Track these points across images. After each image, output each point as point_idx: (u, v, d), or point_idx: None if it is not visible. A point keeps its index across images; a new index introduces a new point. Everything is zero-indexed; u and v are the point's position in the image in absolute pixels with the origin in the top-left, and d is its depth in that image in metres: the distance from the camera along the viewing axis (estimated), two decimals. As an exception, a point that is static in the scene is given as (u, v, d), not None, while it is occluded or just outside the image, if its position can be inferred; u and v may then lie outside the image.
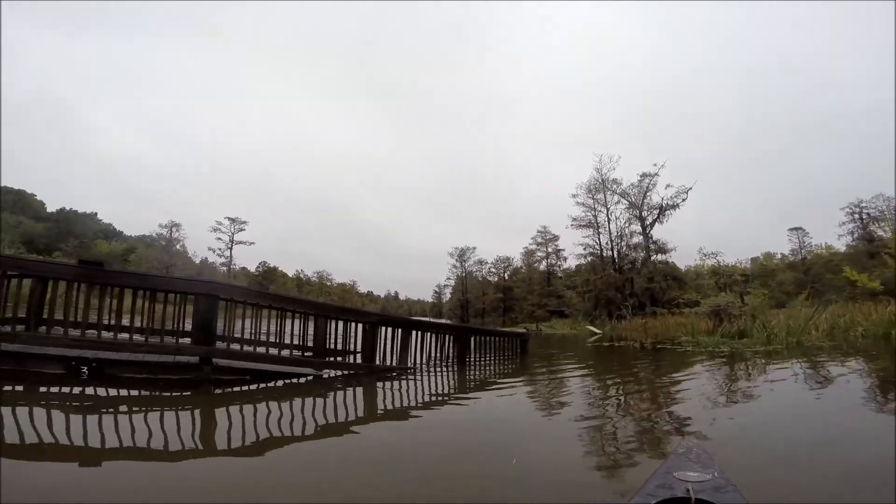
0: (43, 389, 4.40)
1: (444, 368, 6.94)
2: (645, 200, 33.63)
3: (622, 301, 29.88)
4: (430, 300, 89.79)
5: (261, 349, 5.76)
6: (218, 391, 4.80)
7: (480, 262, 61.34)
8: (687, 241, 37.07)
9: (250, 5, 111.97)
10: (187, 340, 5.54)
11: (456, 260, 63.26)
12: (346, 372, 6.05)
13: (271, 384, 5.24)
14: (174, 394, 4.63)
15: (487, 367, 7.37)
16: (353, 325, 6.46)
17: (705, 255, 25.40)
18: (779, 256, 50.02)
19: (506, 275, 58.17)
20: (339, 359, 6.63)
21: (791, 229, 49.52)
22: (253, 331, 5.78)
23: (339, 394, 5.01)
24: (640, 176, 33.83)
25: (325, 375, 5.77)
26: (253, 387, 5.05)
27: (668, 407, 4.34)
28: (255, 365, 5.50)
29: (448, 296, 74.27)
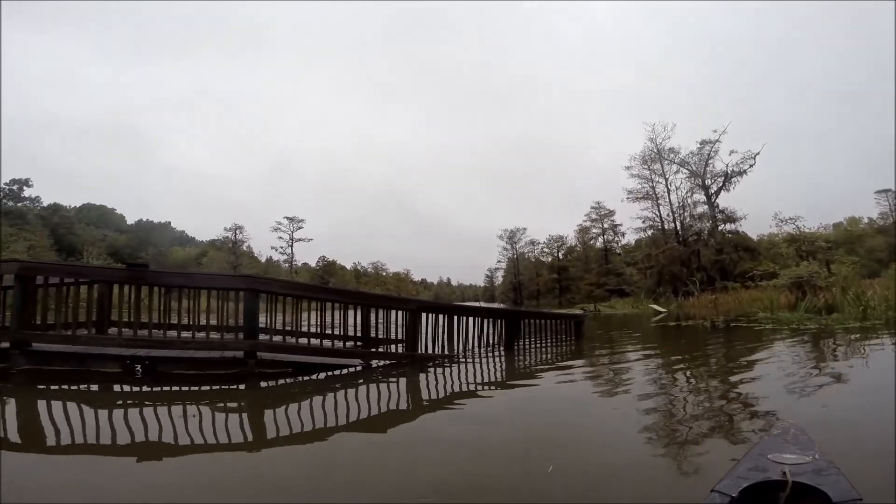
0: (94, 387, 4.61)
1: (492, 354, 6.61)
2: (707, 168, 31.10)
3: (688, 276, 27.90)
4: (483, 284, 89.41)
5: (305, 341, 5.73)
6: (265, 384, 4.81)
7: (532, 243, 59.88)
8: (759, 209, 33.85)
9: (295, 13, 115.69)
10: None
11: (506, 242, 62.21)
12: (388, 362, 5.89)
13: (314, 376, 5.18)
14: (223, 388, 4.66)
15: (539, 353, 6.95)
16: (397, 313, 6.30)
17: (782, 221, 22.87)
18: (865, 221, 44.74)
19: (560, 254, 56.41)
20: (382, 348, 6.49)
21: (879, 191, 44.03)
22: (294, 323, 5.75)
23: (383, 385, 4.84)
24: (700, 143, 31.30)
25: (367, 366, 5.65)
26: (298, 379, 5.02)
27: (746, 398, 3.79)
28: (298, 357, 5.48)
29: (500, 279, 73.40)
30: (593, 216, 49.62)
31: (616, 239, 48.51)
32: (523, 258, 61.25)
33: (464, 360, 6.19)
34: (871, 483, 1.64)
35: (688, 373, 5.01)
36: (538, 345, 7.46)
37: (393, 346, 6.52)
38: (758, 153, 29.34)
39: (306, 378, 5.10)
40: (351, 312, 6.88)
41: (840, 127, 72.69)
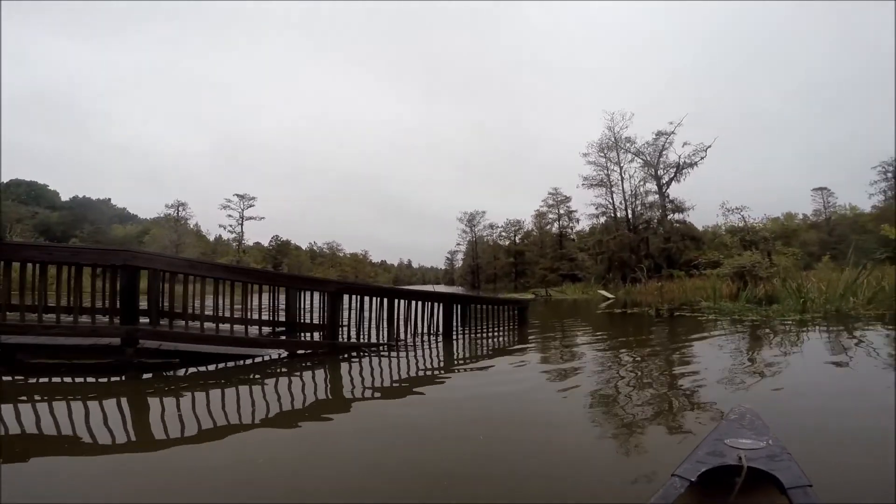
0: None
1: (427, 343, 6.01)
2: (661, 159, 31.76)
3: (637, 263, 28.54)
4: (443, 267, 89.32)
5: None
6: (148, 376, 4.13)
7: (491, 227, 59.95)
8: (705, 202, 35.06)
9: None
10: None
11: (465, 225, 61.98)
12: (302, 351, 5.16)
13: (208, 368, 4.48)
14: (98, 380, 3.98)
15: (478, 341, 6.42)
16: (313, 295, 5.58)
17: (728, 210, 23.50)
18: (800, 217, 47.77)
19: (517, 239, 56.80)
20: (301, 335, 5.74)
21: (815, 189, 47.08)
22: (187, 305, 4.89)
23: (293, 378, 4.14)
24: (656, 134, 31.91)
25: (278, 356, 4.91)
26: (190, 370, 4.35)
27: (686, 389, 3.54)
28: (189, 346, 4.67)
29: (461, 262, 73.43)
30: (550, 202, 50.22)
31: (571, 225, 49.33)
32: (482, 242, 61.28)
33: (394, 349, 5.56)
34: (819, 468, 1.72)
35: (630, 365, 4.60)
36: (478, 332, 6.94)
37: (314, 334, 5.80)
38: (709, 146, 30.21)
39: (200, 369, 4.41)
40: (269, 296, 6.09)
41: (788, 126, 77.04)
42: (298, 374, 4.33)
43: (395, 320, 5.90)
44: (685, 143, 30.61)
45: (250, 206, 58.91)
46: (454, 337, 6.51)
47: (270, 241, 78.26)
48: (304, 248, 79.69)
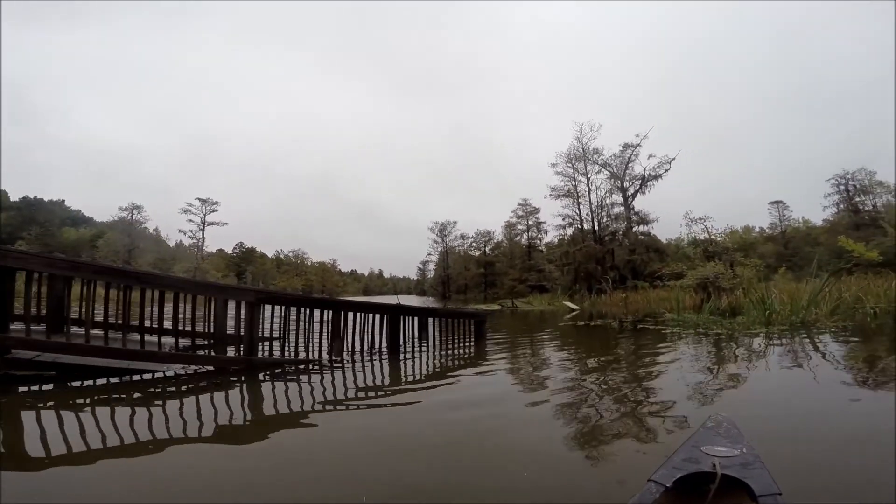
0: None
1: (368, 361, 5.31)
2: (627, 171, 32.21)
3: (602, 274, 28.63)
4: (415, 277, 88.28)
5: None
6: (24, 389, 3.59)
7: (462, 237, 59.61)
8: (668, 215, 35.75)
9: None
10: None
11: (437, 234, 61.45)
12: (211, 367, 4.40)
13: (85, 383, 3.74)
14: None
15: (428, 358, 5.74)
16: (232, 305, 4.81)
17: (692, 221, 23.78)
18: (757, 230, 49.60)
19: (487, 249, 56.66)
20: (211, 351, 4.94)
21: (772, 203, 49.02)
22: (69, 312, 4.08)
23: (175, 402, 3.40)
24: (623, 146, 32.40)
25: (183, 372, 4.17)
26: (74, 385, 3.62)
27: (653, 406, 3.33)
28: (71, 358, 3.90)
29: (433, 272, 72.67)
30: (520, 213, 50.31)
31: (539, 236, 49.52)
32: (453, 252, 60.83)
33: (327, 367, 4.85)
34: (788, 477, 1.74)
35: (595, 382, 4.05)
36: (429, 348, 6.29)
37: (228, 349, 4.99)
38: (673, 158, 30.82)
39: (86, 384, 3.80)
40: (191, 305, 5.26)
41: (750, 141, 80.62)
42: (195, 394, 3.65)
43: (333, 334, 5.21)
44: (650, 156, 31.25)
45: (213, 210, 56.48)
46: (401, 353, 5.84)
47: (234, 247, 75.48)
48: (270, 255, 77.15)
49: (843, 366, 4.83)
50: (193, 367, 4.43)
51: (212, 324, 5.21)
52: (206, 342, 5.57)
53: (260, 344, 4.90)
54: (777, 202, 48.80)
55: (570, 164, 34.08)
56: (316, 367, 4.87)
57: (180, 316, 4.52)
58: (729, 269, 13.12)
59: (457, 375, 4.78)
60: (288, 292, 6.24)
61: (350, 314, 5.50)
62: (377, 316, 5.80)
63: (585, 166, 33.53)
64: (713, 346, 6.47)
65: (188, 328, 5.04)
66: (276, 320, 5.14)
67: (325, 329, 5.39)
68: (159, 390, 3.78)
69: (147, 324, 4.67)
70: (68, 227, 54.70)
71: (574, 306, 19.28)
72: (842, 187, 38.16)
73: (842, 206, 38.06)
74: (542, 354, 6.46)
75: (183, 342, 5.13)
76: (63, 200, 61.79)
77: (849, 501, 1.81)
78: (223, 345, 4.67)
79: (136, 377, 4.07)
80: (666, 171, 30.99)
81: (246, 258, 76.64)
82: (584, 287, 29.00)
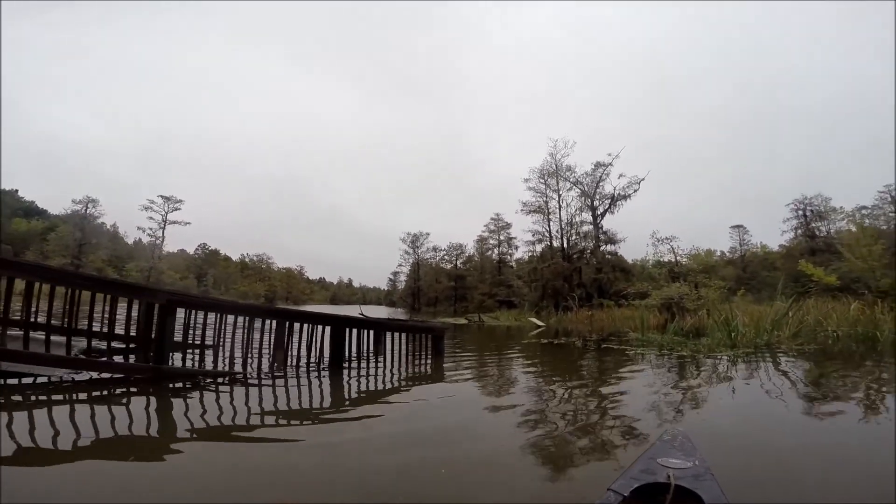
0: None
1: (302, 376, 4.73)
2: (598, 190, 32.62)
3: (569, 291, 28.67)
4: (386, 288, 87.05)
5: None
6: None
7: (435, 249, 59.14)
8: (633, 236, 36.18)
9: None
10: None
11: (408, 245, 60.81)
12: (108, 375, 3.76)
13: None
14: None
15: (375, 376, 5.18)
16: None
17: (658, 240, 24.00)
18: (718, 254, 51.25)
19: (458, 262, 56.39)
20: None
21: (733, 227, 50.83)
22: None
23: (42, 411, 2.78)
24: (594, 165, 32.80)
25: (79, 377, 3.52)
26: None
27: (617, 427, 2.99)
28: None
29: (404, 284, 71.71)
30: (492, 227, 50.39)
31: (510, 252, 49.63)
32: (424, 264, 60.24)
33: (253, 382, 4.24)
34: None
35: (558, 404, 3.61)
36: (380, 364, 5.73)
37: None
38: (643, 179, 31.37)
39: None
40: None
41: (712, 167, 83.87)
42: (50, 406, 2.98)
43: (275, 345, 4.63)
44: (621, 175, 31.70)
45: (176, 209, 54.31)
46: (345, 369, 5.27)
47: (197, 248, 72.53)
48: (235, 259, 74.47)
49: (804, 386, 4.75)
50: (95, 373, 3.78)
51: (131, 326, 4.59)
52: (124, 346, 4.90)
53: (190, 352, 4.28)
54: (738, 226, 50.66)
55: (542, 180, 34.25)
56: (239, 381, 4.25)
57: (107, 316, 3.86)
58: (693, 290, 13.11)
59: (402, 399, 4.23)
60: (208, 297, 5.48)
61: (284, 323, 4.91)
62: (319, 327, 5.22)
63: (557, 183, 33.78)
64: (677, 367, 6.19)
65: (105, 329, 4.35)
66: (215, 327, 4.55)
67: (263, 339, 4.81)
68: (35, 397, 3.14)
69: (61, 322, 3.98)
70: (19, 219, 51.30)
71: (540, 323, 19.02)
72: (800, 212, 39.73)
73: (799, 230, 39.60)
74: (506, 375, 5.99)
75: (118, 345, 4.45)
76: (16, 190, 58.11)
77: (845, 502, 1.95)
78: (143, 350, 4.01)
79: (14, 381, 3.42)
80: (635, 191, 31.55)
81: (209, 261, 73.78)
82: (551, 304, 28.97)
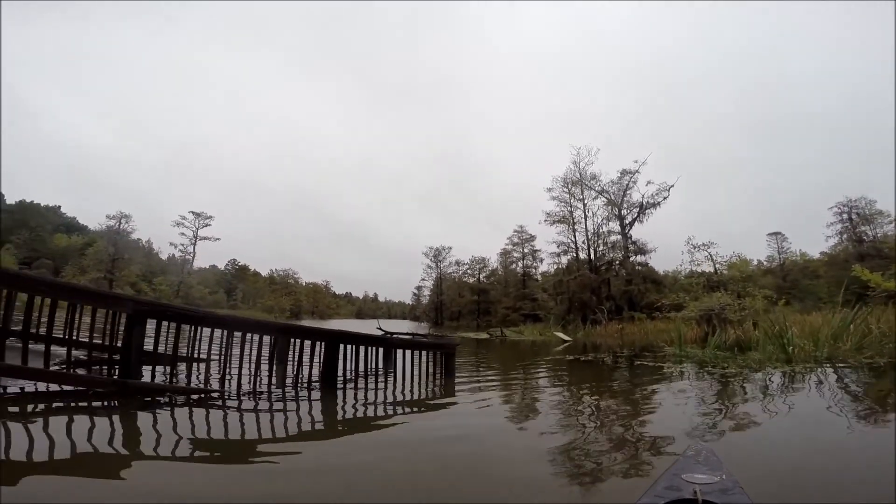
0: None
1: (291, 397, 4.15)
2: (625, 198, 31.39)
3: (597, 304, 27.44)
4: (411, 302, 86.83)
5: None
6: None
7: (457, 263, 58.47)
8: (663, 247, 34.46)
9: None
10: None
11: (431, 260, 60.41)
12: (70, 388, 3.29)
13: None
14: None
15: (376, 399, 4.53)
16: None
17: (695, 247, 22.30)
18: (755, 262, 48.69)
19: (481, 276, 55.54)
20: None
21: (770, 234, 48.30)
22: None
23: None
24: (621, 173, 31.61)
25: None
26: None
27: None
28: None
29: (427, 298, 71.27)
30: (515, 239, 49.41)
31: (535, 264, 48.45)
32: (447, 278, 59.66)
33: (231, 402, 3.69)
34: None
35: (588, 442, 2.90)
36: (381, 385, 5.10)
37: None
38: (672, 186, 30.01)
39: None
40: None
41: (746, 169, 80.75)
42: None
43: (241, 360, 4.09)
44: (649, 182, 30.43)
45: (206, 225, 55.50)
46: (338, 389, 4.66)
47: (227, 264, 74.13)
48: (263, 274, 75.69)
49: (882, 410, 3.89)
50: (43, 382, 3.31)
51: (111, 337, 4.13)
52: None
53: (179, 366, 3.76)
54: (776, 234, 48.09)
55: (566, 189, 33.19)
56: (213, 401, 3.70)
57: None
58: (736, 300, 11.96)
59: (393, 435, 3.42)
60: (182, 307, 4.92)
61: (272, 339, 4.36)
62: (309, 343, 4.65)
63: (582, 192, 32.69)
64: (723, 385, 5.32)
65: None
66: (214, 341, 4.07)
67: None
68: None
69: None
70: (61, 234, 53.52)
71: (566, 337, 18.04)
72: (845, 216, 37.01)
73: (844, 235, 36.81)
74: (526, 397, 5.24)
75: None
76: (59, 206, 60.74)
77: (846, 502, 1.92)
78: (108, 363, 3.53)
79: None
80: (665, 198, 30.20)
81: (238, 276, 75.29)
82: (578, 317, 27.74)
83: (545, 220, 33.66)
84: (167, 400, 3.61)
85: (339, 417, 3.84)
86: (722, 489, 1.59)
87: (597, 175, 32.29)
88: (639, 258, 31.51)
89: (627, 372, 7.20)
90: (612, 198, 31.71)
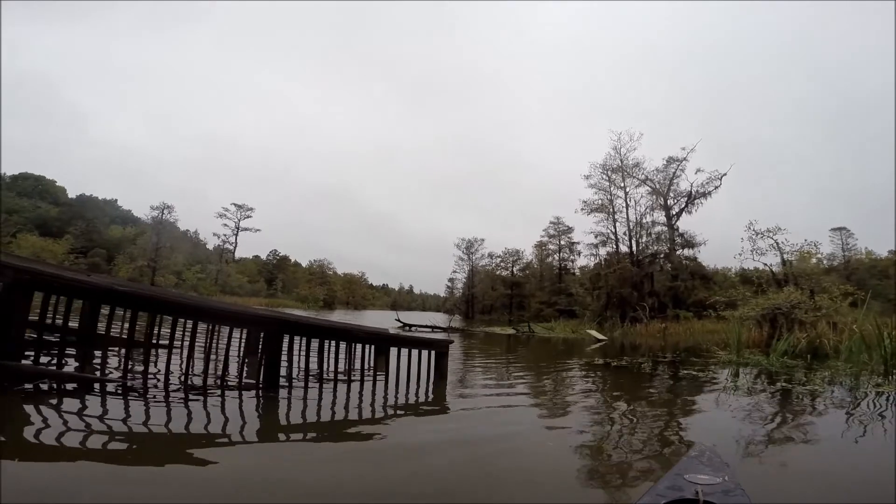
0: None
1: (209, 397, 3.13)
2: (671, 187, 28.80)
3: (639, 300, 25.31)
4: (444, 295, 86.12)
5: None
6: None
7: (490, 256, 56.77)
8: (711, 241, 31.38)
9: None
10: None
11: (463, 252, 59.10)
12: None
13: None
14: None
15: (334, 404, 3.45)
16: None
17: (756, 234, 19.42)
18: (814, 260, 44.30)
19: (515, 269, 53.75)
20: None
21: (834, 229, 43.85)
22: None
23: None
24: (667, 160, 28.94)
25: None
26: None
27: None
28: None
29: (461, 290, 70.22)
30: (551, 231, 47.26)
31: (572, 257, 46.17)
32: (480, 270, 58.29)
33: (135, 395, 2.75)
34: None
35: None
36: (340, 386, 4.00)
37: None
38: (724, 174, 27.25)
39: None
40: None
41: (805, 158, 74.54)
42: None
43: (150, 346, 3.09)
44: (698, 170, 27.70)
45: (247, 216, 57.38)
46: (282, 391, 3.59)
47: (269, 254, 76.21)
48: (304, 265, 77.32)
49: None
50: None
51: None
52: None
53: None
54: (839, 229, 43.64)
55: (605, 177, 30.77)
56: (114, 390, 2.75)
57: None
58: (809, 297, 9.96)
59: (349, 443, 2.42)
60: (75, 276, 3.90)
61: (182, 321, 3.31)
62: (243, 332, 3.58)
63: (623, 179, 30.23)
64: (809, 408, 3.83)
65: None
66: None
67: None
68: None
69: None
70: (116, 225, 56.58)
71: (600, 336, 16.34)
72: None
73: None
74: (528, 416, 3.99)
75: None
76: (115, 199, 64.33)
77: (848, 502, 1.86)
78: None
79: None
80: (716, 187, 27.39)
81: (279, 266, 77.27)
82: (616, 314, 25.63)
83: (582, 209, 31.38)
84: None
85: (257, 426, 2.76)
86: (724, 490, 1.57)
87: (640, 162, 29.82)
88: (686, 252, 28.95)
89: (672, 384, 5.74)
90: (657, 187, 29.19)
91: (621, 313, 25.19)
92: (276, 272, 73.25)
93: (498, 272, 55.49)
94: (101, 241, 52.52)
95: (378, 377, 4.41)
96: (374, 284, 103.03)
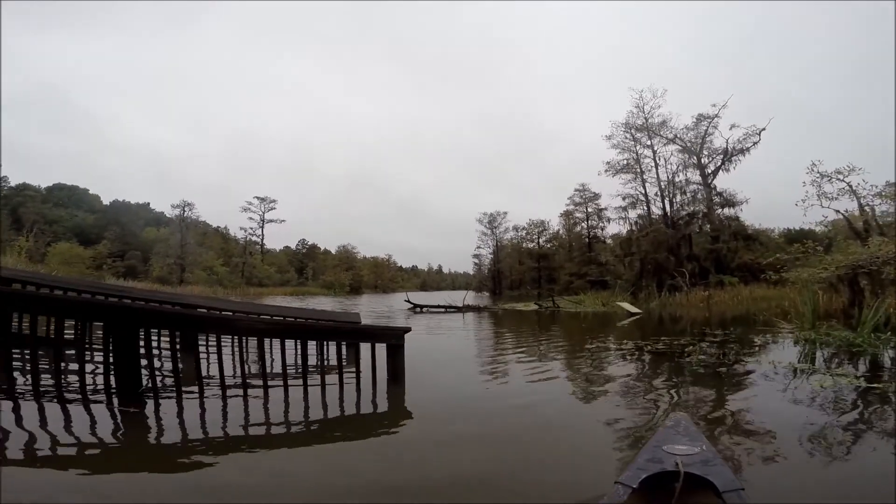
0: None
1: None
2: (704, 145, 26.14)
3: (676, 266, 23.18)
4: (472, 272, 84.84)
5: None
6: None
7: (515, 229, 54.82)
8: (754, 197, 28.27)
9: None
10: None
11: (486, 226, 57.38)
12: None
13: None
14: None
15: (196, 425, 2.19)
16: None
17: (821, 176, 16.61)
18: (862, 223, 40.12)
19: (541, 240, 51.65)
20: None
21: (890, 184, 39.45)
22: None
23: None
24: (696, 118, 26.17)
25: None
26: None
27: None
28: None
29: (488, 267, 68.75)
30: (577, 199, 44.74)
31: (601, 224, 43.58)
32: (505, 245, 56.52)
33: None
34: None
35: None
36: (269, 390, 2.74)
37: None
38: (763, 129, 24.48)
39: None
40: None
41: (843, 114, 68.42)
42: None
43: None
44: (733, 126, 24.96)
45: (271, 209, 58.16)
46: (149, 402, 2.34)
47: (297, 244, 77.33)
48: (333, 252, 77.89)
49: None
50: None
51: None
52: None
53: None
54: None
55: (629, 135, 28.17)
56: None
57: None
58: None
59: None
60: None
61: None
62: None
63: (649, 137, 27.65)
64: None
65: None
66: None
67: None
68: None
69: None
70: (151, 227, 58.28)
71: (633, 309, 14.58)
72: None
73: None
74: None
75: None
76: (148, 203, 66.45)
77: (844, 501, 1.82)
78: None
79: None
80: (755, 143, 24.66)
81: (309, 255, 78.24)
82: (652, 283, 23.60)
83: (606, 171, 28.94)
84: None
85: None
86: (703, 461, 1.58)
87: (667, 120, 27.10)
88: (727, 211, 26.38)
89: (739, 384, 4.19)
90: (688, 145, 26.53)
91: (658, 281, 23.13)
92: (305, 261, 73.86)
93: (524, 245, 53.56)
94: (137, 244, 54.01)
95: (309, 382, 3.14)
96: (404, 266, 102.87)
